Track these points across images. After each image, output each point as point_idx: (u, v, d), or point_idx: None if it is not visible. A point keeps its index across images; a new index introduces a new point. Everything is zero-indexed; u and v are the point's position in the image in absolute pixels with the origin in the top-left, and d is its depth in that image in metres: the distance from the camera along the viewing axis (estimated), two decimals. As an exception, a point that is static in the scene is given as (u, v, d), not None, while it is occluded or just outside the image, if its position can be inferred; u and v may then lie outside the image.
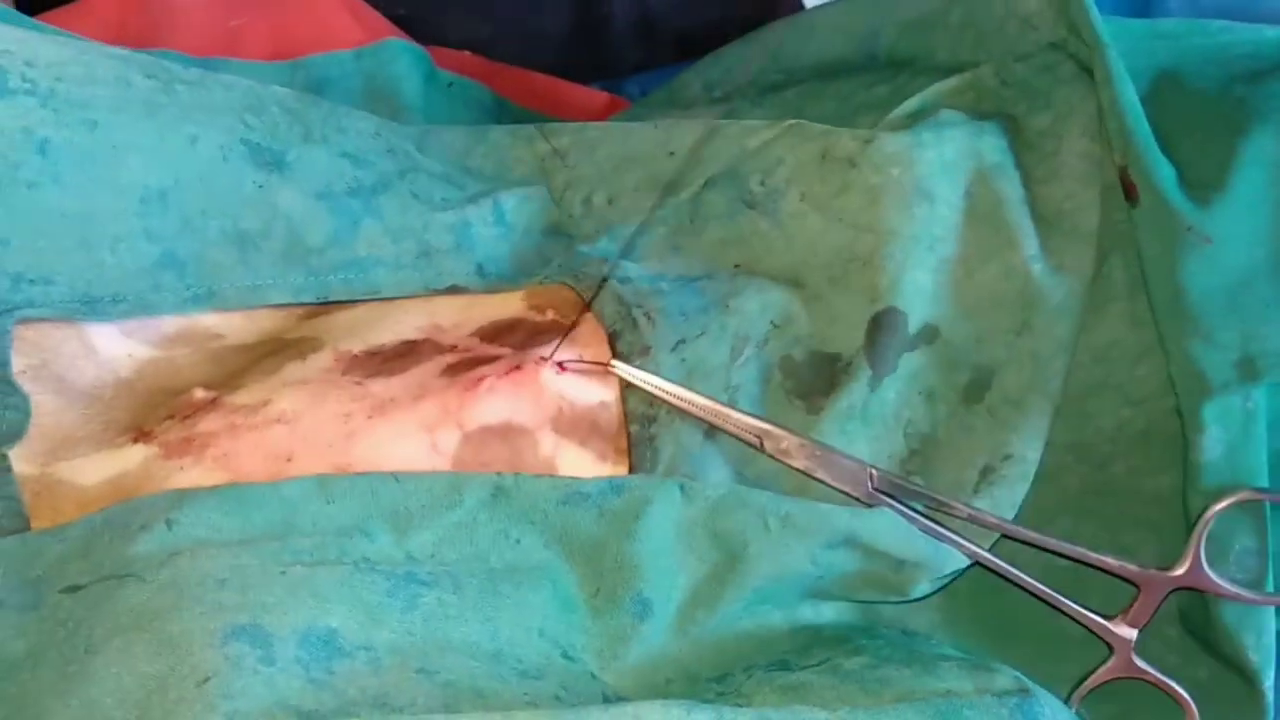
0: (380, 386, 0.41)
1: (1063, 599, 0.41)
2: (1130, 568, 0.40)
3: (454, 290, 0.45)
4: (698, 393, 0.41)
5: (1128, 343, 0.43)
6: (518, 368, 0.41)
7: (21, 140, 0.38)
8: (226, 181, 0.41)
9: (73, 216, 0.38)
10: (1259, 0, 0.50)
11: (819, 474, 0.40)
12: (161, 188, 0.40)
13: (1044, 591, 0.41)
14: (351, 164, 0.44)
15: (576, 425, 0.42)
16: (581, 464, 0.41)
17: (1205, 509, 0.40)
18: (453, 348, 0.44)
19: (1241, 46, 0.45)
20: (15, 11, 0.46)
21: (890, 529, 0.40)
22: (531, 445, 0.41)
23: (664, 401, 0.41)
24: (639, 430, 0.41)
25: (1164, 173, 0.42)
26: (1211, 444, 0.40)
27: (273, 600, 0.33)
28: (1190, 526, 0.40)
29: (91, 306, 0.39)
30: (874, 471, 0.40)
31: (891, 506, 0.40)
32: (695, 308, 0.43)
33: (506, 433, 0.41)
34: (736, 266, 0.44)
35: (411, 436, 0.40)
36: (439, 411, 0.40)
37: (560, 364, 0.42)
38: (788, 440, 0.41)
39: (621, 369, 0.41)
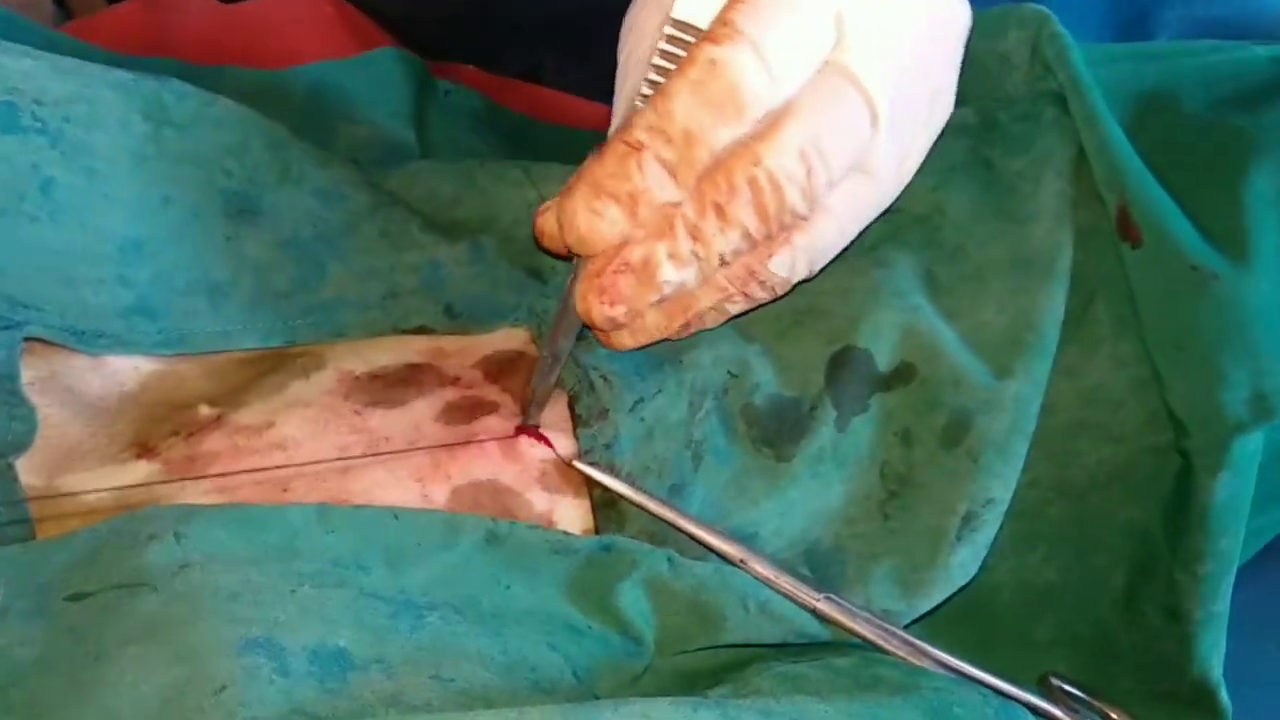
0: (378, 421, 0.41)
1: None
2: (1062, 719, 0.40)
3: (422, 330, 0.44)
4: (651, 496, 0.40)
5: (1112, 384, 0.43)
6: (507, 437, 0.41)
7: (29, 176, 0.38)
8: (197, 237, 0.41)
9: (61, 254, 0.39)
10: (1255, 15, 0.50)
11: (779, 582, 0.39)
12: (137, 240, 0.40)
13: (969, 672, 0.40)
14: (322, 203, 0.44)
15: (567, 478, 0.41)
16: (578, 513, 0.41)
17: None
18: (455, 380, 0.43)
19: (1231, 66, 0.45)
20: (15, 18, 0.46)
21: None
22: (525, 506, 0.40)
23: (621, 491, 0.40)
24: (601, 494, 0.41)
25: (1172, 211, 0.41)
26: (1222, 486, 0.39)
27: (284, 618, 0.32)
28: (1181, 562, 0.41)
29: (79, 338, 0.39)
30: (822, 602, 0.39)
31: (834, 600, 0.39)
32: (650, 366, 0.42)
33: (495, 492, 0.40)
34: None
35: (403, 484, 0.39)
36: (430, 466, 0.40)
37: (533, 433, 0.41)
38: (741, 553, 0.39)
39: (582, 467, 0.41)
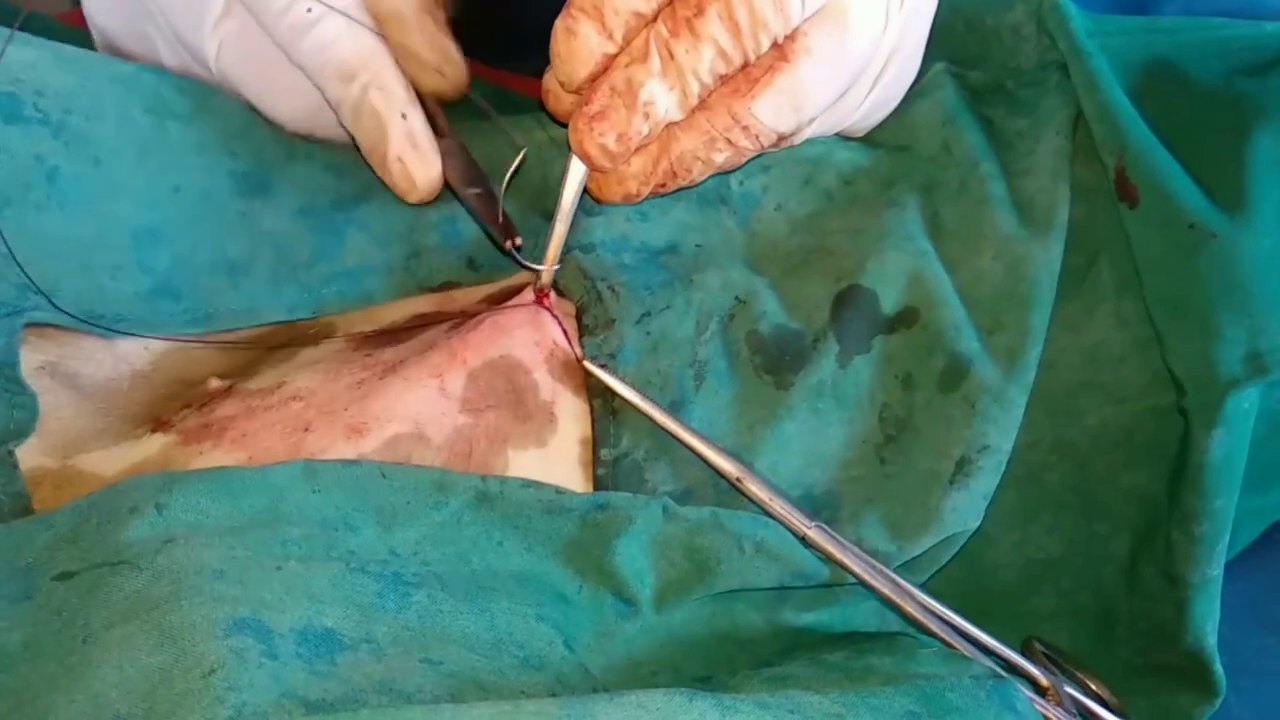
0: (391, 353, 0.41)
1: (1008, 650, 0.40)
2: (1040, 679, 0.40)
3: (448, 286, 0.44)
4: (655, 404, 0.40)
5: (1114, 343, 0.43)
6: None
7: (33, 165, 0.39)
8: (211, 218, 0.42)
9: (74, 242, 0.39)
10: (1256, 8, 0.49)
11: (773, 505, 0.39)
12: (152, 227, 0.41)
13: (965, 629, 0.40)
14: (335, 176, 0.44)
15: (570, 370, 0.42)
16: (578, 414, 0.41)
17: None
18: (462, 313, 0.44)
19: (1241, 40, 0.45)
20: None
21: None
22: (532, 387, 0.41)
23: (627, 396, 0.40)
24: (602, 404, 0.41)
25: (1170, 170, 0.41)
26: (1217, 445, 0.39)
27: (271, 597, 0.32)
28: (1179, 523, 0.40)
29: (96, 322, 0.39)
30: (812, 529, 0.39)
31: (825, 530, 0.39)
32: (660, 282, 0.42)
33: (507, 369, 0.41)
34: (698, 246, 0.44)
35: (422, 384, 0.40)
36: (446, 357, 0.40)
37: (540, 295, 0.42)
38: (739, 470, 0.40)
39: (591, 367, 0.41)
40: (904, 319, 0.42)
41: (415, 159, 0.41)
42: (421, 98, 0.43)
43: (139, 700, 0.29)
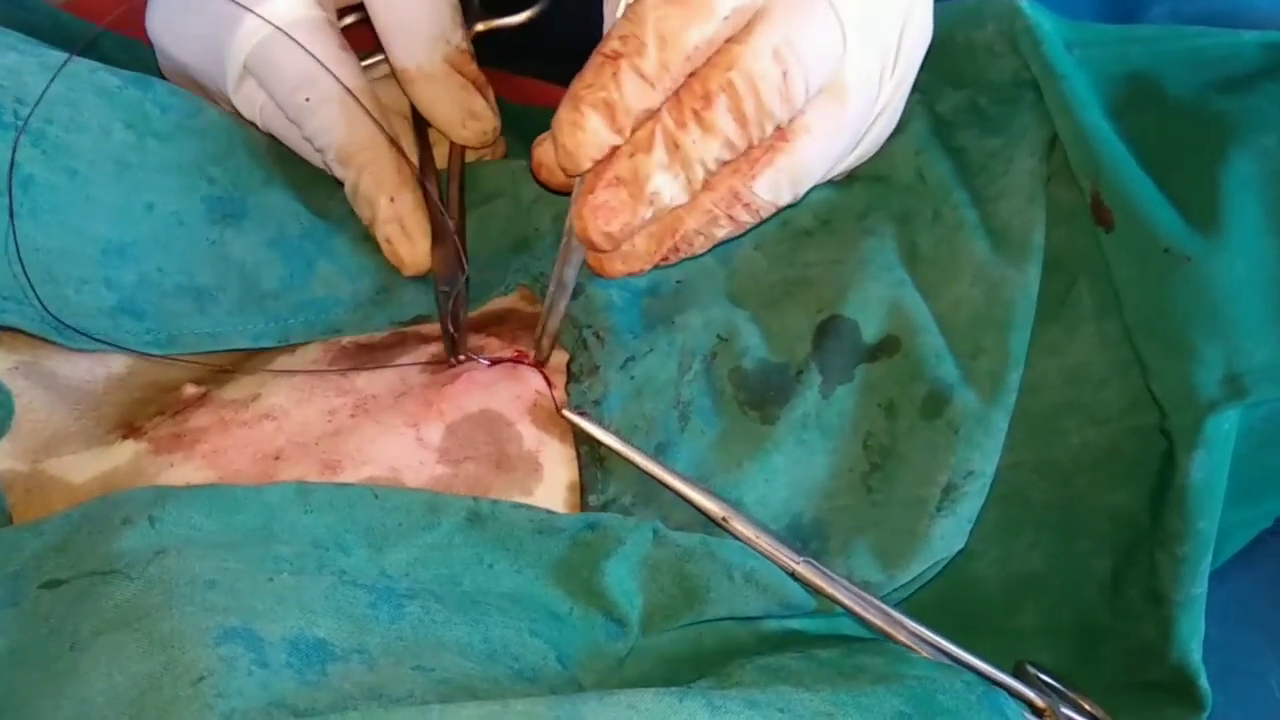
0: (364, 381, 0.41)
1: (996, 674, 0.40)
2: (1036, 701, 0.40)
3: (418, 321, 0.44)
4: (637, 450, 0.40)
5: (1096, 364, 0.43)
6: (492, 364, 0.42)
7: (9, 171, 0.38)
8: (181, 242, 0.41)
9: (43, 252, 0.38)
10: (1241, 8, 0.50)
11: (760, 542, 0.39)
12: (121, 243, 0.40)
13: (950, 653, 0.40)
14: (309, 206, 0.44)
15: (555, 419, 0.41)
16: (565, 461, 0.41)
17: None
18: (439, 338, 0.43)
19: (1218, 50, 0.45)
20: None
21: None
22: (515, 439, 0.40)
23: (609, 443, 0.40)
24: (588, 451, 0.41)
25: (1145, 194, 0.41)
26: (1198, 466, 0.39)
27: (262, 607, 0.32)
28: (1161, 543, 0.40)
29: (61, 333, 0.39)
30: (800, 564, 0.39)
31: (813, 565, 0.39)
32: (642, 325, 0.42)
33: (488, 423, 0.40)
34: (678, 282, 0.44)
35: (397, 431, 0.39)
36: (421, 406, 0.40)
37: (524, 357, 0.42)
38: (724, 510, 0.39)
39: (571, 416, 0.40)
40: (885, 347, 0.43)
41: (402, 240, 0.43)
42: (438, 173, 0.46)
43: (126, 706, 0.29)
